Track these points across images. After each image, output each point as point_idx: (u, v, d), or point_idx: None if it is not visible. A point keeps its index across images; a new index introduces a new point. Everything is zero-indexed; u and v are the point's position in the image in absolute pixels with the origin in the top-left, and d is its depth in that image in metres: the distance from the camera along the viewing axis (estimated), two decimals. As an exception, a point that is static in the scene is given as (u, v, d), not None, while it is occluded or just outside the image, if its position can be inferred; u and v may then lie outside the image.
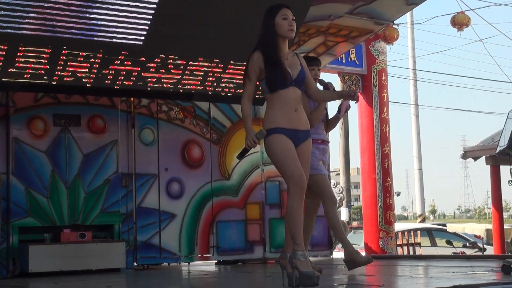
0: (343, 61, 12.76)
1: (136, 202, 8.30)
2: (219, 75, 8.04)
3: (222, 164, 8.91)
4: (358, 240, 15.02)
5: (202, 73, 7.94)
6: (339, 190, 10.90)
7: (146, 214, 8.35)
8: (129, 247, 8.14)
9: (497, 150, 6.78)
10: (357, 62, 13.02)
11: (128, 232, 8.20)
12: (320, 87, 6.55)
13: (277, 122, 5.14)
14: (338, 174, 24.66)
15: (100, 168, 8.13)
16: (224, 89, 8.25)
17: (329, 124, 7.00)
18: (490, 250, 15.94)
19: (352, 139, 22.32)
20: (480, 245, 15.66)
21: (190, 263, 8.87)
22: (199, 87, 8.06)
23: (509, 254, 15.09)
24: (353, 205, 34.71)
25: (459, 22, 12.24)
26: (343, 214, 20.06)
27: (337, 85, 20.09)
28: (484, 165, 16.54)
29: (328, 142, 6.96)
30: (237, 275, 7.37)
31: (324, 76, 13.70)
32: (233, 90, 8.22)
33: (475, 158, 17.05)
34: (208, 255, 8.74)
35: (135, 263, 8.25)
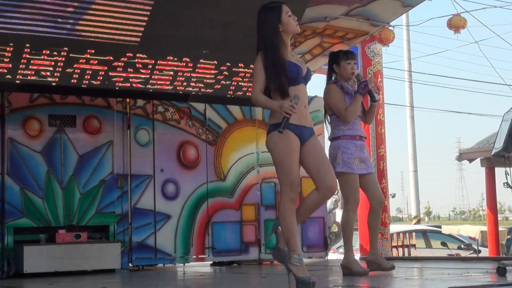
0: (339, 62, 12.75)
1: (132, 203, 8.29)
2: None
3: (217, 165, 8.91)
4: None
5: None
6: (335, 192, 10.87)
7: (141, 215, 8.34)
8: (124, 248, 8.14)
9: (492, 152, 6.79)
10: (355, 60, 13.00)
11: (123, 233, 8.20)
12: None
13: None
14: (334, 176, 24.63)
15: (96, 169, 8.12)
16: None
17: (367, 115, 6.83)
18: (485, 252, 15.95)
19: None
20: (475, 247, 15.68)
21: (186, 264, 8.87)
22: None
23: (504, 256, 15.10)
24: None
25: (455, 24, 12.26)
26: (338, 215, 20.04)
27: (333, 87, 20.03)
28: (479, 167, 16.56)
29: (365, 138, 6.77)
30: (232, 276, 7.37)
31: (320, 78, 13.63)
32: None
33: (470, 160, 17.07)
34: (203, 256, 8.73)
35: (130, 264, 8.25)
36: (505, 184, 6.60)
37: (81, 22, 7.00)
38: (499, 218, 17.62)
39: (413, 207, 27.31)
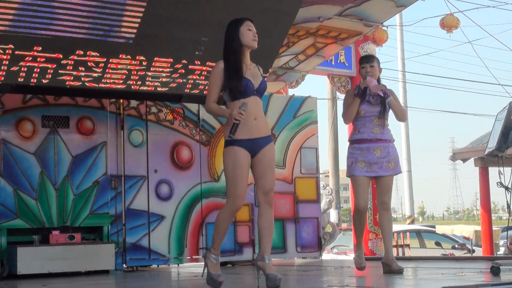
0: (333, 62, 12.78)
1: (125, 204, 8.28)
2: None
3: (211, 166, 8.90)
4: (347, 242, 15.06)
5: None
6: (329, 192, 10.89)
7: (135, 216, 8.33)
8: (118, 249, 8.12)
9: (486, 152, 6.80)
10: (347, 64, 13.03)
11: (117, 234, 8.18)
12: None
13: (235, 134, 5.27)
14: (328, 176, 24.72)
15: (89, 170, 8.10)
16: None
17: (393, 112, 6.88)
18: (479, 252, 15.99)
19: (341, 141, 22.36)
20: (469, 246, 15.71)
21: (180, 264, 8.86)
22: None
23: (498, 255, 15.13)
24: (342, 207, 34.76)
25: (448, 24, 12.31)
26: (332, 215, 20.08)
27: (326, 87, 20.09)
28: (473, 166, 16.59)
29: (381, 139, 6.78)
30: (226, 277, 7.33)
31: (314, 78, 13.70)
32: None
33: (464, 160, 17.10)
34: (197, 256, 8.72)
35: (124, 265, 8.23)
36: (499, 183, 6.61)
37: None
38: (493, 218, 17.66)
39: (407, 207, 27.33)
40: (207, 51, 7.71)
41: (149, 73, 7.74)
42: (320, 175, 9.99)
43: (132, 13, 7.16)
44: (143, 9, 7.12)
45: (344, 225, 26.49)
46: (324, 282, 5.96)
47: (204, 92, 8.19)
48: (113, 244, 7.95)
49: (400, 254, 14.11)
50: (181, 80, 7.98)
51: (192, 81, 8.06)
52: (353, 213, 6.92)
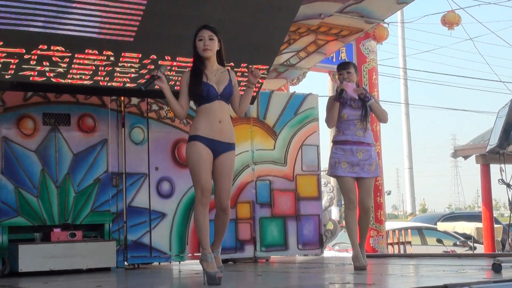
0: (334, 60, 12.75)
1: (127, 201, 8.28)
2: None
3: (212, 163, 8.88)
4: (348, 239, 15.02)
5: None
6: (330, 189, 10.87)
7: (136, 213, 8.33)
8: (120, 246, 8.12)
9: (487, 149, 6.81)
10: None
11: (118, 231, 8.18)
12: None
13: (198, 130, 5.70)
14: (329, 173, 24.67)
15: (90, 168, 8.10)
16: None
17: (375, 115, 7.29)
18: (481, 249, 15.97)
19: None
20: (471, 243, 15.69)
21: (181, 262, 8.86)
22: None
23: (500, 252, 15.12)
24: (343, 204, 34.76)
25: (450, 21, 12.28)
26: (334, 213, 20.07)
27: (327, 84, 20.09)
28: (474, 163, 16.56)
29: (364, 142, 7.13)
30: (227, 274, 7.36)
31: (315, 75, 13.65)
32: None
33: (466, 157, 17.08)
34: (199, 254, 8.69)
35: (125, 263, 8.23)
36: (500, 180, 6.61)
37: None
38: (494, 215, 17.63)
39: (408, 204, 27.41)
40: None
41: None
42: (322, 173, 9.98)
43: (134, 11, 7.12)
44: (143, 7, 7.07)
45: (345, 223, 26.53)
46: (325, 279, 5.97)
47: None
48: (114, 242, 7.95)
49: (402, 251, 14.11)
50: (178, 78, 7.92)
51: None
52: (345, 213, 7.14)
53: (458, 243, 16.09)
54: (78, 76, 7.37)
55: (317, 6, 9.22)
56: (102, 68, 7.43)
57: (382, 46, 13.01)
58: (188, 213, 8.60)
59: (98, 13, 6.92)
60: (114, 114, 8.31)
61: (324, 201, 10.28)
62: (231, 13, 7.50)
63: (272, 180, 9.28)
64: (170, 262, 8.82)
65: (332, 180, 22.53)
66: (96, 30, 7.03)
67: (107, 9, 6.92)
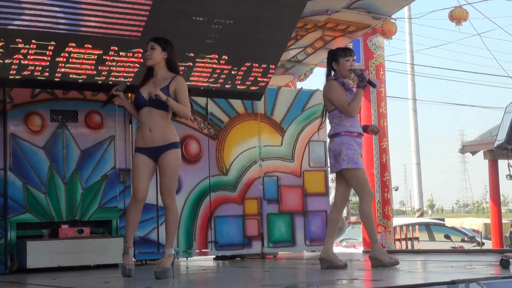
0: (341, 56, 12.72)
1: (134, 197, 8.27)
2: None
3: (219, 160, 8.90)
4: (356, 235, 15.03)
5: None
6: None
7: (143, 209, 8.22)
8: (127, 242, 8.12)
9: (495, 144, 6.78)
10: (355, 57, 12.98)
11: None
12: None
13: (136, 142, 6.09)
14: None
15: (98, 164, 8.12)
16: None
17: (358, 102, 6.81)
18: (489, 245, 15.95)
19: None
20: (479, 239, 15.67)
21: (188, 258, 8.86)
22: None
23: (508, 248, 15.10)
24: (351, 200, 34.69)
25: (457, 16, 12.24)
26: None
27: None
28: (482, 159, 16.53)
29: (362, 135, 6.85)
30: (235, 270, 7.36)
31: (322, 71, 13.65)
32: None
33: (473, 153, 17.05)
34: (206, 250, 8.73)
35: (133, 259, 8.23)
36: (508, 176, 6.60)
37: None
38: (502, 211, 17.59)
39: (416, 200, 27.30)
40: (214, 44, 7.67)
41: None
42: (329, 168, 9.97)
43: (140, 10, 7.12)
44: (150, 1, 7.08)
45: (353, 218, 26.47)
46: (333, 275, 5.96)
47: (214, 85, 8.20)
48: (121, 238, 7.94)
49: (409, 247, 14.10)
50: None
51: (199, 74, 8.01)
52: (366, 206, 6.76)
53: (466, 239, 16.08)
54: (86, 73, 7.38)
55: (324, 2, 9.21)
56: (109, 64, 7.44)
57: (389, 42, 12.97)
58: (196, 209, 8.61)
59: (105, 10, 6.95)
60: (121, 111, 8.31)
61: (332, 197, 10.27)
62: (238, 10, 7.50)
63: (280, 176, 9.28)
64: (178, 258, 8.82)
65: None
66: (103, 27, 7.05)
67: (112, 9, 6.97)
